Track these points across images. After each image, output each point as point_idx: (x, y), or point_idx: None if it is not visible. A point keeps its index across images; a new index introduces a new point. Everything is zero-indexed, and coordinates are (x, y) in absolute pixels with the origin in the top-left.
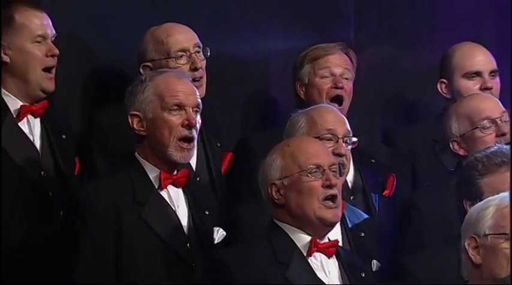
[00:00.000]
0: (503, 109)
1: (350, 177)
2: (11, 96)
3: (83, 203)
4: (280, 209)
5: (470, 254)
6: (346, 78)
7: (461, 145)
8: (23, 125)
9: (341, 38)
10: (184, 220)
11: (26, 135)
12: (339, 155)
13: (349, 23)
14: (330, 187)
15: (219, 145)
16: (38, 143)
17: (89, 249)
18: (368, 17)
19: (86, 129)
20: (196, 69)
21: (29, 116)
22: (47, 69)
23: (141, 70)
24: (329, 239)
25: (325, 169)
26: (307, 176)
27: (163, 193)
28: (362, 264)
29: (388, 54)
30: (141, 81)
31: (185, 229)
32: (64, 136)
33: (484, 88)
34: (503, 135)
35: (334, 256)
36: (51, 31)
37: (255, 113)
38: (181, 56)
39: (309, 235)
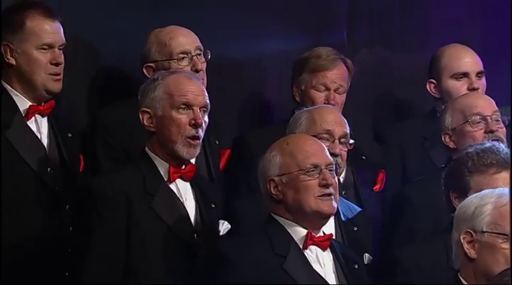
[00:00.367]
0: (496, 109)
1: (342, 173)
2: (20, 96)
3: (97, 194)
4: (278, 204)
5: (465, 248)
6: (340, 92)
7: (451, 138)
8: (31, 124)
9: (335, 40)
10: (191, 212)
11: (34, 133)
12: (333, 154)
13: (343, 26)
14: (327, 186)
15: (217, 142)
16: (45, 141)
17: (101, 237)
18: (360, 20)
19: (89, 127)
20: (197, 71)
21: (37, 115)
22: (52, 74)
23: (144, 71)
24: (324, 233)
25: (322, 169)
26: (305, 175)
27: (172, 186)
28: (355, 257)
29: (380, 55)
30: (154, 80)
31: (192, 221)
32: (70, 135)
33: (471, 89)
34: (491, 132)
35: (328, 249)
36: (59, 40)
37: (251, 112)
38: (183, 58)
39: (305, 228)
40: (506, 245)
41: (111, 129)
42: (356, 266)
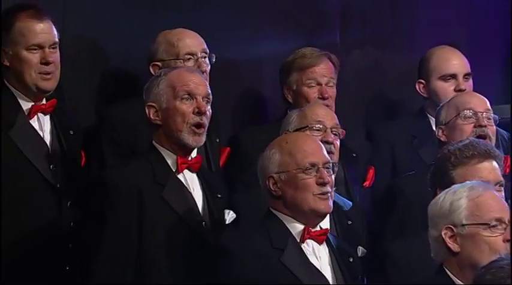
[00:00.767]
0: (489, 108)
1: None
2: (23, 95)
3: (109, 185)
4: (277, 199)
5: (447, 243)
6: (331, 85)
7: (444, 132)
8: (33, 122)
9: (328, 40)
10: (199, 202)
11: (36, 131)
12: (327, 142)
13: (335, 28)
14: (324, 184)
15: (218, 140)
16: (48, 139)
17: (114, 225)
18: (352, 22)
19: (93, 125)
20: (201, 73)
21: (39, 114)
22: (42, 73)
23: (150, 69)
24: (320, 228)
25: (319, 167)
26: (303, 173)
27: (180, 177)
28: (350, 250)
29: (371, 56)
30: (157, 77)
31: (200, 210)
32: (72, 132)
33: (458, 90)
34: (481, 126)
35: (324, 243)
36: (49, 40)
37: (248, 111)
38: (188, 59)
39: (303, 223)
40: (488, 233)
41: (117, 126)
42: (351, 259)
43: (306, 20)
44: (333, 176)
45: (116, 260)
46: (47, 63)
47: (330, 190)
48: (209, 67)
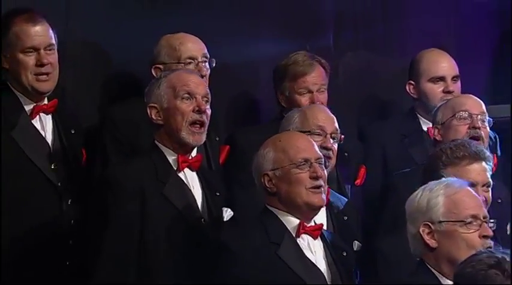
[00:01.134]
0: (484, 111)
1: (332, 166)
2: (24, 96)
3: (112, 183)
4: (272, 196)
5: (425, 240)
6: (322, 91)
7: (439, 132)
8: (35, 122)
9: (322, 44)
10: (199, 199)
11: (38, 131)
12: (326, 148)
13: (329, 32)
14: (316, 178)
15: (217, 139)
16: (49, 138)
17: (118, 220)
18: (345, 26)
19: (94, 125)
20: (201, 77)
21: (41, 114)
22: (38, 74)
23: (152, 71)
24: (315, 223)
25: (312, 162)
26: (297, 168)
27: (181, 175)
28: (343, 245)
29: (363, 59)
30: (158, 79)
31: (200, 207)
32: (73, 131)
33: (447, 92)
34: (474, 128)
35: (319, 238)
36: (44, 42)
37: (245, 111)
38: (189, 63)
39: (298, 218)
40: (465, 230)
41: (119, 124)
42: (344, 253)
43: (301, 24)
44: (326, 172)
45: (118, 259)
46: (42, 65)
47: (323, 183)
48: (209, 71)
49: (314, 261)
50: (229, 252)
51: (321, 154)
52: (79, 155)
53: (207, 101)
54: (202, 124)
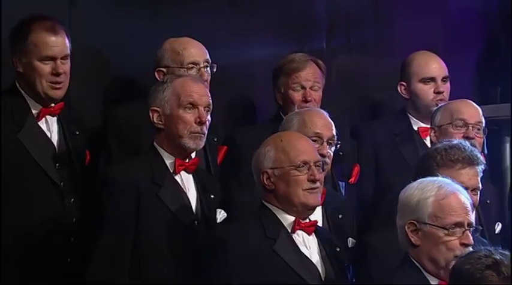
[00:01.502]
0: (481, 120)
1: (328, 169)
2: (32, 100)
3: (110, 181)
4: (270, 193)
5: (410, 236)
6: (316, 89)
7: (436, 134)
8: (42, 124)
9: (315, 46)
10: (193, 202)
11: (44, 132)
12: (322, 155)
13: (322, 35)
14: (314, 181)
15: (215, 139)
16: (55, 139)
17: (113, 218)
18: (338, 29)
19: (98, 127)
20: (203, 81)
21: (47, 116)
22: (52, 82)
23: (155, 74)
24: (310, 220)
25: (311, 165)
26: (296, 170)
27: (177, 177)
28: (336, 241)
29: (355, 61)
30: (162, 83)
31: (193, 209)
32: (77, 133)
33: (437, 92)
34: (468, 138)
35: (313, 234)
36: (60, 52)
37: (242, 112)
38: (192, 68)
39: (293, 216)
40: (447, 237)
41: (122, 125)
42: (338, 249)
43: (295, 27)
44: (323, 175)
45: (113, 253)
46: (57, 74)
47: (319, 185)
48: (210, 76)
49: (309, 256)
50: (226, 245)
51: (319, 156)
52: (83, 156)
53: (208, 111)
54: (202, 134)
